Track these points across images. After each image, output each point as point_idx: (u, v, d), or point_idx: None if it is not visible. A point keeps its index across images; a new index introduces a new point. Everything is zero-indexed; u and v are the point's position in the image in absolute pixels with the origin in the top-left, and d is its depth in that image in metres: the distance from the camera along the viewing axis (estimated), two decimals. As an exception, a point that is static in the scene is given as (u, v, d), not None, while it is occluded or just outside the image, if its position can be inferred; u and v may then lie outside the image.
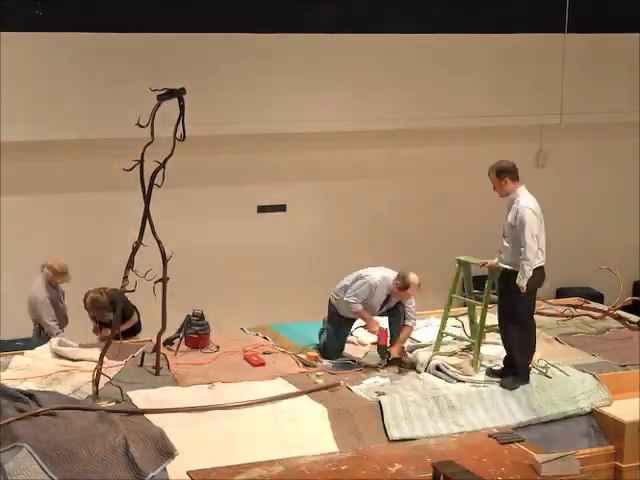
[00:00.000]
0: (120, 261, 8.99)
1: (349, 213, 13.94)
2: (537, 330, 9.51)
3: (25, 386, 8.93)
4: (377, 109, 13.30)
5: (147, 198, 8.97)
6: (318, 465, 7.90)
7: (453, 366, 9.34)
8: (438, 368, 9.33)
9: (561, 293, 14.57)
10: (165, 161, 8.74)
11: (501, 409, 8.93)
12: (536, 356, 9.44)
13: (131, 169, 8.69)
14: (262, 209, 13.67)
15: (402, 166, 14.05)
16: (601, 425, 8.99)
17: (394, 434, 8.52)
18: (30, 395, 8.55)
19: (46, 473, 7.48)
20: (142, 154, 8.69)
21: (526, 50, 14.02)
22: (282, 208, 13.79)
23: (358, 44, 13.15)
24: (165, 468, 7.79)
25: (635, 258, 15.24)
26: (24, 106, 11.74)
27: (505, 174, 9.04)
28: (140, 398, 8.72)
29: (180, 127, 8.72)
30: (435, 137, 13.44)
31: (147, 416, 8.29)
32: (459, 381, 9.17)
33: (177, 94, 8.74)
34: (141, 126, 8.57)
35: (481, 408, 8.92)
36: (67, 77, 11.98)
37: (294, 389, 8.98)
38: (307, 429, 8.39)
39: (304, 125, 12.94)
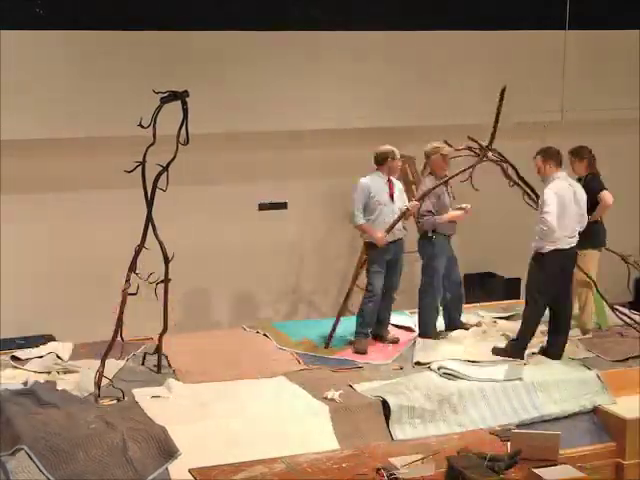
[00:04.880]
0: (121, 261, 8.98)
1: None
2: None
3: (24, 377, 8.99)
4: (377, 107, 13.28)
5: (150, 202, 8.95)
6: (319, 462, 7.90)
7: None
8: (444, 367, 9.36)
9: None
10: (168, 165, 8.71)
11: (504, 407, 8.94)
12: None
13: (132, 171, 8.68)
14: (263, 207, 13.65)
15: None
16: (603, 422, 9.01)
17: (398, 435, 8.55)
18: (31, 391, 8.59)
19: (44, 474, 7.48)
20: (144, 155, 8.68)
21: (527, 47, 13.99)
22: (283, 206, 13.77)
23: (359, 41, 13.12)
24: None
25: (636, 254, 15.20)
26: (25, 104, 11.72)
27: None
28: (142, 395, 8.75)
29: (183, 131, 8.70)
30: (437, 135, 13.40)
31: (149, 414, 8.31)
32: (462, 379, 9.18)
33: (180, 97, 8.71)
34: (143, 127, 8.56)
35: (484, 406, 8.92)
36: (68, 75, 11.95)
37: (296, 387, 9.02)
38: (308, 426, 8.41)
39: (306, 122, 12.93)
